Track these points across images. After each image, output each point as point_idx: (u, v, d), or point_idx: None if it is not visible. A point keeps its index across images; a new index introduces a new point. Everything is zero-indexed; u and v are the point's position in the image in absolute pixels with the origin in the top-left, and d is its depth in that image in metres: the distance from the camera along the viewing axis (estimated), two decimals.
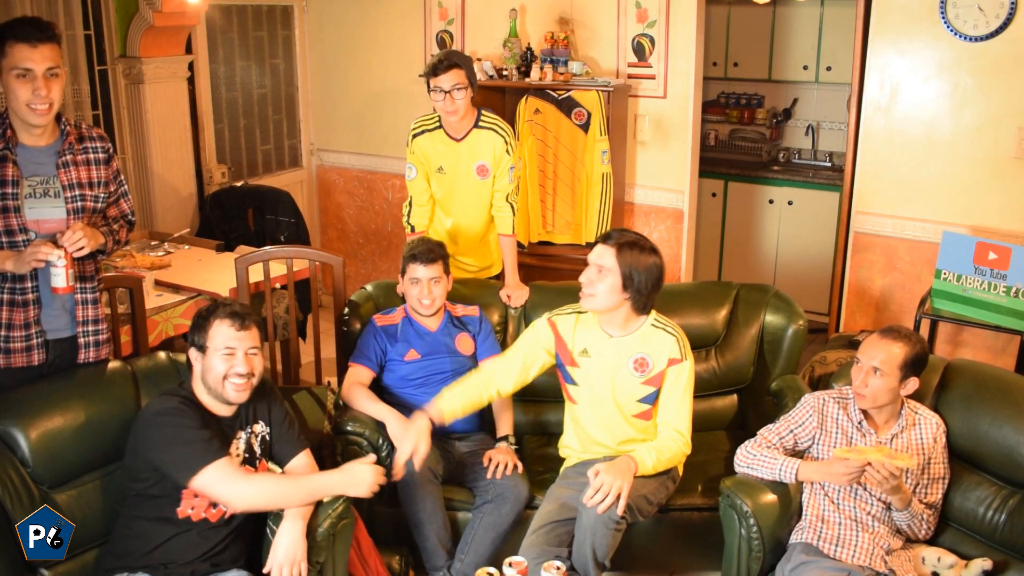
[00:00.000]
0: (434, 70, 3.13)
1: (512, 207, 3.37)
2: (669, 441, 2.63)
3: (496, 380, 2.81)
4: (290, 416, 2.50)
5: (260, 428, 2.41)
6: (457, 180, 3.33)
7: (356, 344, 3.08)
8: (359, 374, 3.01)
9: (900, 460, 2.26)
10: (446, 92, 3.13)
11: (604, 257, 2.60)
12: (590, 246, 4.18)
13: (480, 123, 3.29)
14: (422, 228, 3.42)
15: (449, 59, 3.14)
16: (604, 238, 2.66)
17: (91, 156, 2.49)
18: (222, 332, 2.28)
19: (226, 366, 2.27)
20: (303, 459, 2.45)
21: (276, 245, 4.01)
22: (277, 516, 2.30)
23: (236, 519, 2.31)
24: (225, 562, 2.28)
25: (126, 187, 2.66)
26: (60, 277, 2.33)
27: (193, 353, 2.33)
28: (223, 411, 2.34)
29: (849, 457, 2.30)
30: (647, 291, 2.62)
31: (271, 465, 2.45)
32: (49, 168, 2.41)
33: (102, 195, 2.51)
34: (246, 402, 2.39)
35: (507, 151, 3.28)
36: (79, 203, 2.44)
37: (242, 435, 2.36)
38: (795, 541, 2.46)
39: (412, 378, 3.02)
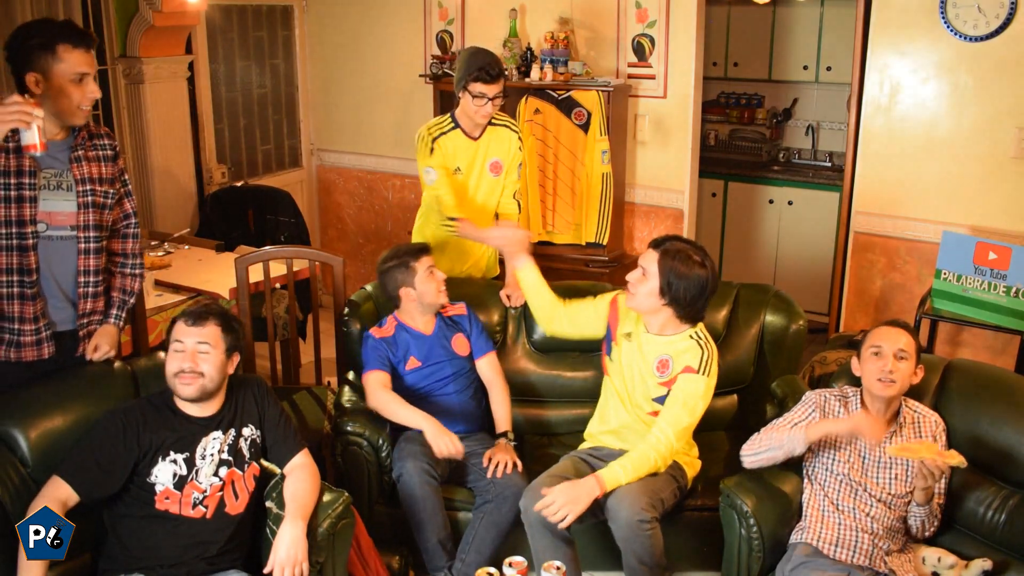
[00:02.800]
0: (487, 76, 3.08)
1: (519, 204, 3.42)
2: (650, 449, 2.59)
3: (568, 304, 2.91)
4: (285, 416, 2.49)
5: (249, 432, 2.40)
6: (471, 179, 3.33)
7: (362, 357, 3.01)
8: (380, 379, 2.93)
9: (952, 459, 2.26)
10: (490, 99, 3.12)
11: (648, 261, 2.63)
12: (590, 246, 4.27)
13: (493, 120, 3.30)
14: (462, 215, 3.26)
15: (498, 67, 3.12)
16: (654, 242, 2.68)
17: (100, 153, 2.54)
18: (177, 329, 2.32)
19: (175, 363, 2.29)
20: (301, 459, 2.43)
21: (276, 245, 4.01)
22: (277, 517, 2.30)
23: (224, 519, 2.30)
24: (223, 563, 2.27)
25: (130, 187, 2.68)
26: (34, 134, 2.22)
27: (162, 355, 2.40)
28: (198, 411, 2.33)
29: (903, 456, 2.33)
30: (686, 302, 2.61)
31: (268, 466, 2.45)
32: (63, 162, 2.45)
33: (110, 191, 2.55)
34: (232, 404, 2.39)
35: (519, 148, 3.34)
36: (90, 197, 2.47)
37: (218, 436, 2.34)
38: (795, 541, 2.46)
39: (416, 388, 3.01)
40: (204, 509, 2.28)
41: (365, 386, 2.97)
